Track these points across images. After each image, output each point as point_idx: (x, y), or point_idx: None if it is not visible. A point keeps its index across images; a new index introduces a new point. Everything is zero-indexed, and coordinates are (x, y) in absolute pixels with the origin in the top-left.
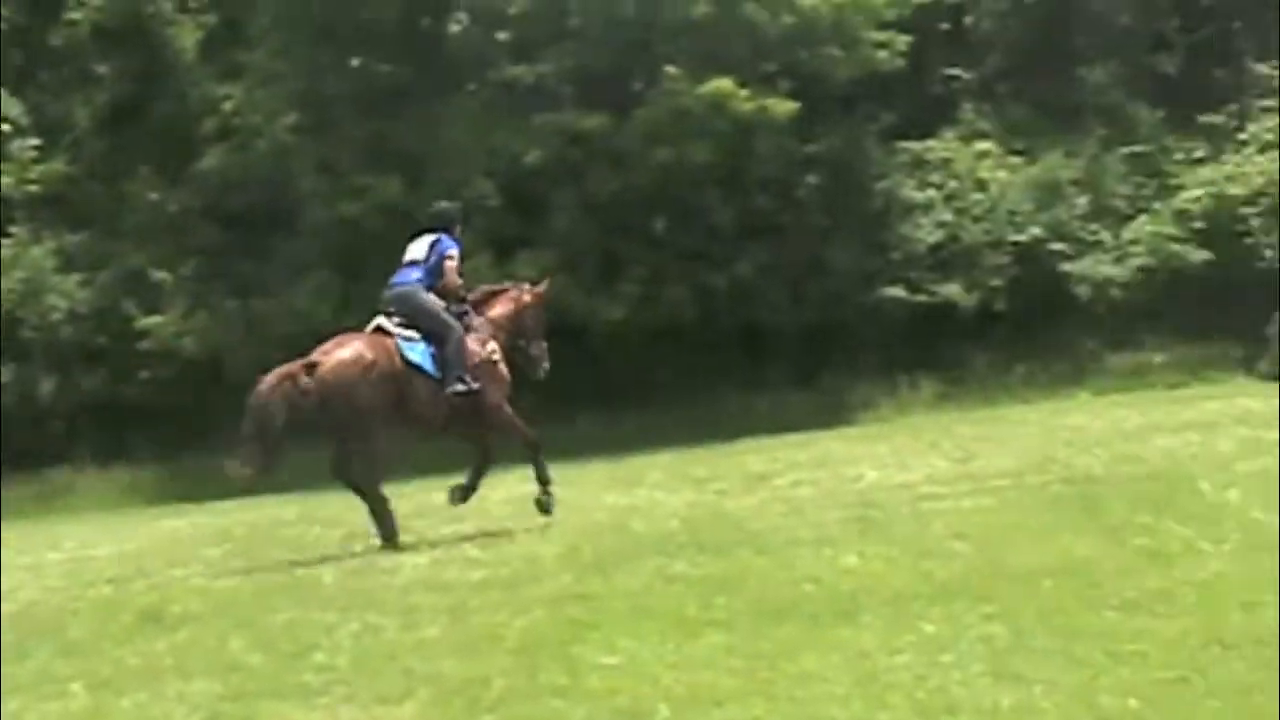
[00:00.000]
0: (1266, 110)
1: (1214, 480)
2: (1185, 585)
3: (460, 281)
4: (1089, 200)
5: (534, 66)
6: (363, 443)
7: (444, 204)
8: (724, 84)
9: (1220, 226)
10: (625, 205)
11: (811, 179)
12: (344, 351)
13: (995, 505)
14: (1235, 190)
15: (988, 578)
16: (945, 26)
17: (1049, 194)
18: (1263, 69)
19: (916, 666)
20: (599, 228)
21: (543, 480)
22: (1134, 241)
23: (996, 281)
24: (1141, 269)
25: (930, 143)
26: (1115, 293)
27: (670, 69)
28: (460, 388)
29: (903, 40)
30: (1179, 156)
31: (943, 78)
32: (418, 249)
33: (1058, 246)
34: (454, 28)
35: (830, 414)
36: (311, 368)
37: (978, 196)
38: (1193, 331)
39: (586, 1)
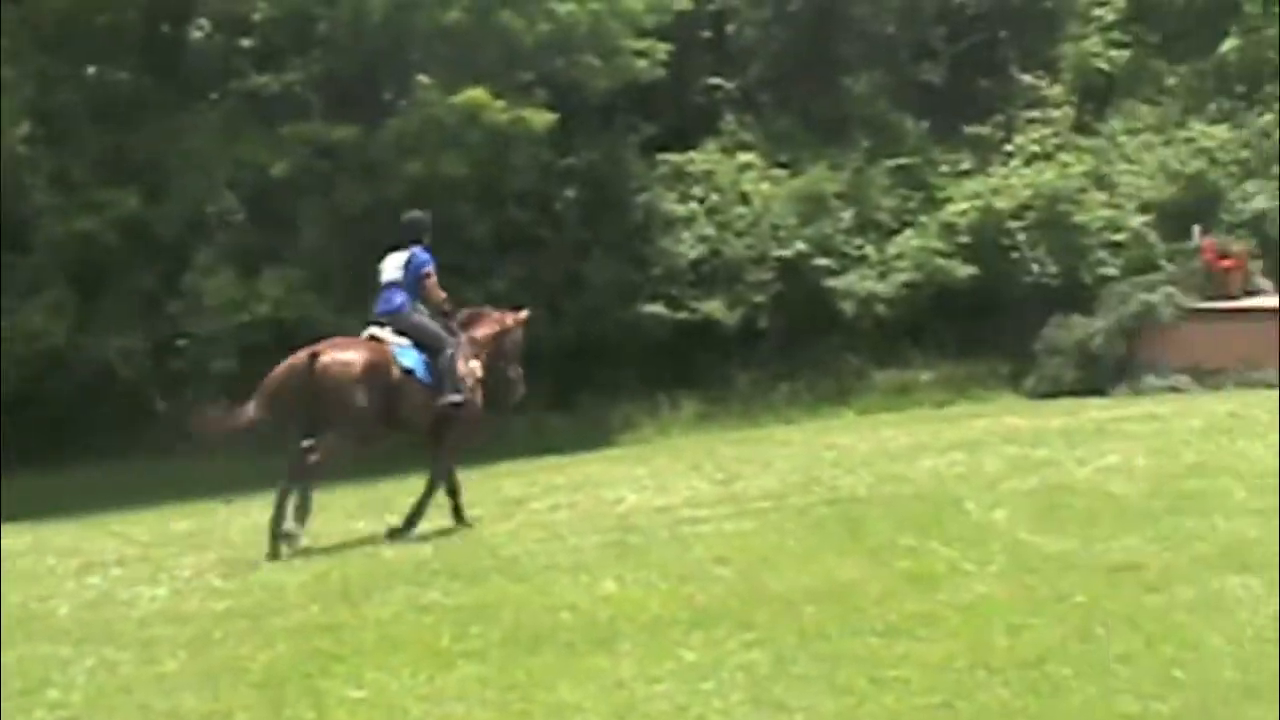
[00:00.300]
0: (1032, 122)
1: (980, 500)
2: (949, 608)
3: (443, 295)
4: (854, 214)
5: (280, 75)
6: (339, 440)
7: (414, 214)
8: (478, 94)
9: (987, 241)
10: (376, 219)
11: (569, 192)
12: (345, 352)
13: (757, 528)
14: (1002, 204)
15: (749, 603)
16: (707, 35)
17: (813, 207)
18: (1028, 79)
19: (676, 695)
20: (349, 242)
21: (410, 523)
22: (899, 256)
23: (760, 298)
24: (907, 284)
25: (692, 155)
26: (881, 309)
27: (422, 78)
28: (456, 398)
29: (663, 49)
30: (945, 169)
31: (704, 87)
32: (393, 268)
33: (822, 261)
34: (195, 34)
35: (589, 435)
36: (314, 357)
37: (740, 210)
38: (959, 348)
39: (334, 8)
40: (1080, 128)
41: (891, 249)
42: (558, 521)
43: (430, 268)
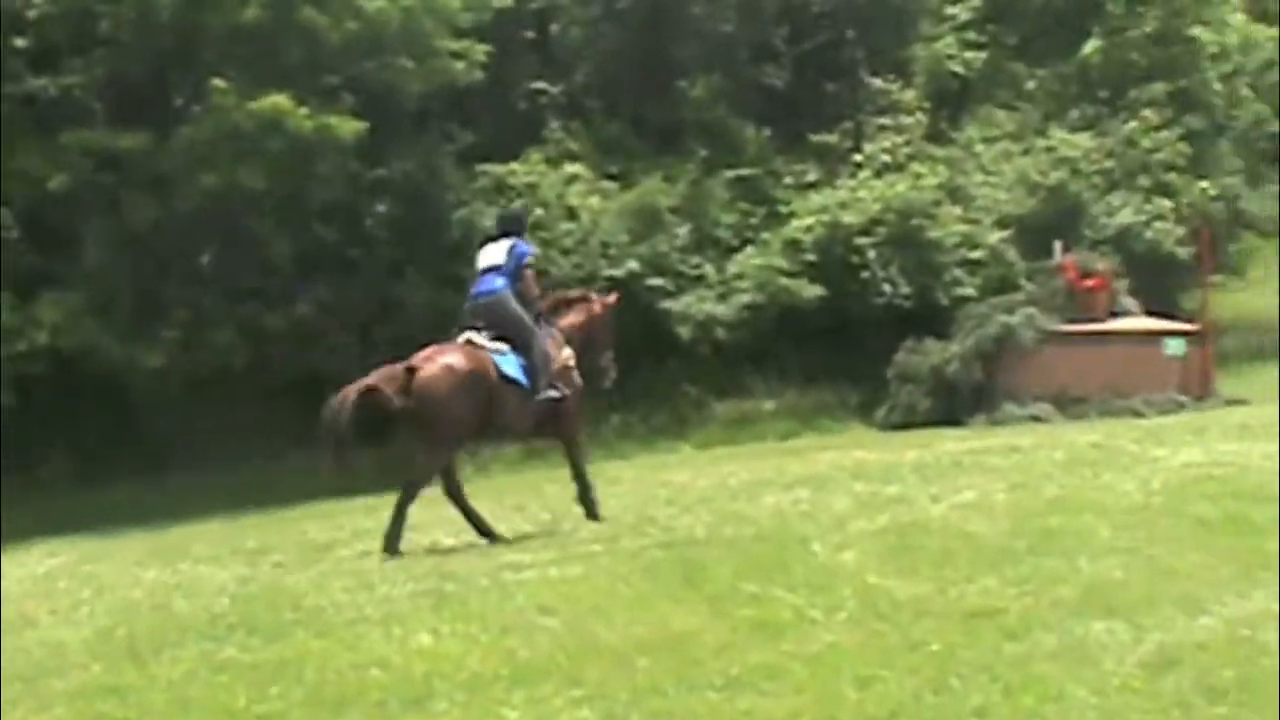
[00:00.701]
0: (883, 129)
1: (827, 542)
2: (795, 659)
3: (538, 291)
4: (690, 230)
5: (58, 77)
6: (441, 452)
7: (513, 208)
8: (279, 99)
9: (834, 259)
10: (166, 237)
11: (380, 207)
12: (445, 360)
13: (586, 574)
14: (850, 218)
15: (577, 656)
16: (529, 35)
17: (646, 223)
18: (878, 83)
19: None
20: (135, 263)
21: (587, 505)
22: (740, 276)
23: None
24: (749, 306)
25: (513, 166)
26: (720, 333)
27: (218, 82)
28: (553, 394)
29: (482, 50)
30: (788, 180)
31: (527, 92)
32: (495, 254)
33: (656, 282)
34: None
35: (401, 474)
36: (412, 371)
37: (567, 226)
38: (805, 376)
39: (119, 4)
40: (934, 136)
41: (731, 268)
42: (367, 569)
43: (530, 259)
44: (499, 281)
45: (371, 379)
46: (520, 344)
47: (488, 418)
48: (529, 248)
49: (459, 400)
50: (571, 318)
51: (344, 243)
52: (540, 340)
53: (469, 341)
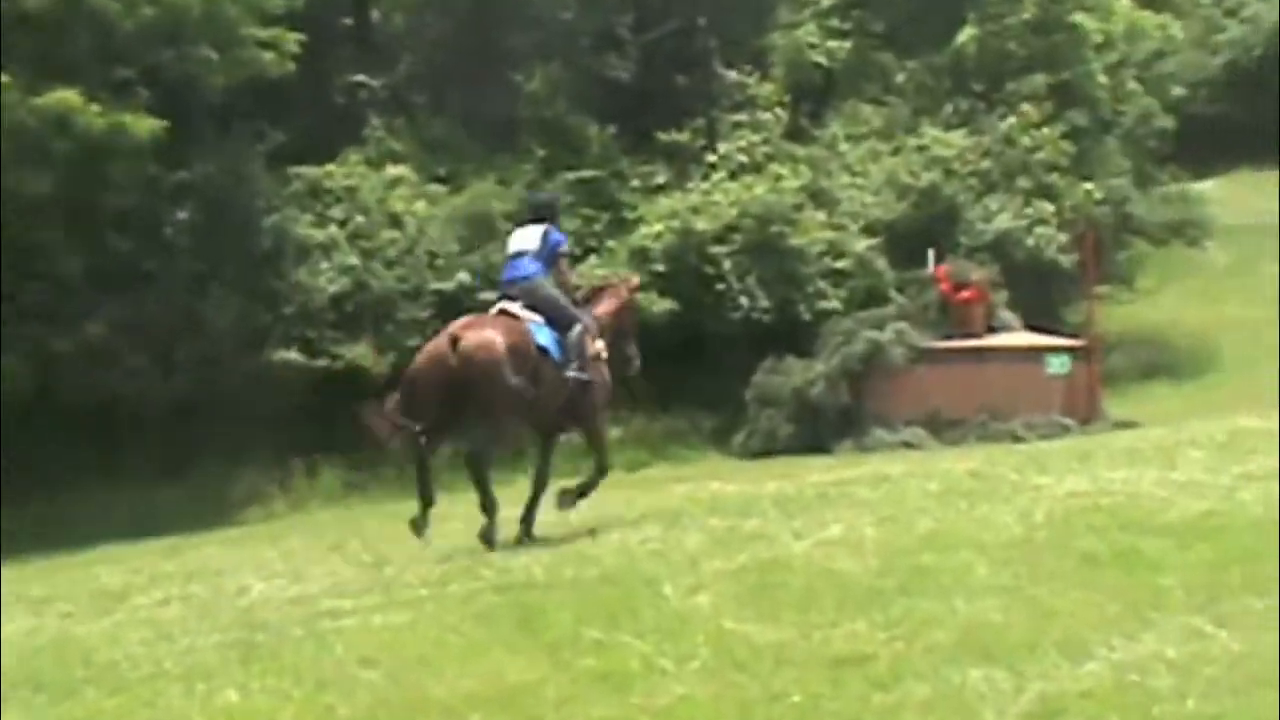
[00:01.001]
0: (738, 126)
1: (679, 583)
2: (643, 713)
3: (574, 281)
4: None
5: None
6: (496, 424)
7: (544, 195)
8: (68, 95)
9: (686, 269)
10: None
11: (181, 214)
12: (486, 331)
13: (412, 621)
14: (703, 224)
15: (402, 712)
16: (348, 22)
17: (478, 231)
18: (733, 75)
19: None
20: None
21: (583, 493)
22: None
23: (415, 340)
24: None
25: (330, 167)
26: None
27: None
28: (583, 376)
29: (294, 39)
30: (636, 183)
31: (345, 86)
32: (527, 239)
33: (489, 296)
34: None
35: (206, 511)
36: (455, 341)
37: (391, 235)
38: (656, 400)
39: None
40: (794, 133)
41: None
42: (167, 618)
43: (566, 247)
44: (532, 267)
45: (429, 350)
46: (560, 323)
47: (528, 387)
48: (563, 235)
49: (504, 369)
50: (603, 305)
51: (141, 254)
52: (580, 323)
53: (503, 311)
